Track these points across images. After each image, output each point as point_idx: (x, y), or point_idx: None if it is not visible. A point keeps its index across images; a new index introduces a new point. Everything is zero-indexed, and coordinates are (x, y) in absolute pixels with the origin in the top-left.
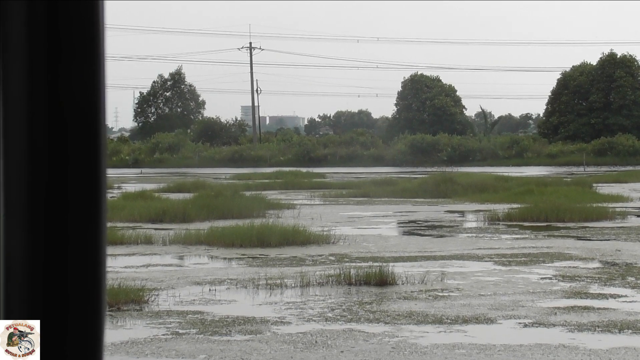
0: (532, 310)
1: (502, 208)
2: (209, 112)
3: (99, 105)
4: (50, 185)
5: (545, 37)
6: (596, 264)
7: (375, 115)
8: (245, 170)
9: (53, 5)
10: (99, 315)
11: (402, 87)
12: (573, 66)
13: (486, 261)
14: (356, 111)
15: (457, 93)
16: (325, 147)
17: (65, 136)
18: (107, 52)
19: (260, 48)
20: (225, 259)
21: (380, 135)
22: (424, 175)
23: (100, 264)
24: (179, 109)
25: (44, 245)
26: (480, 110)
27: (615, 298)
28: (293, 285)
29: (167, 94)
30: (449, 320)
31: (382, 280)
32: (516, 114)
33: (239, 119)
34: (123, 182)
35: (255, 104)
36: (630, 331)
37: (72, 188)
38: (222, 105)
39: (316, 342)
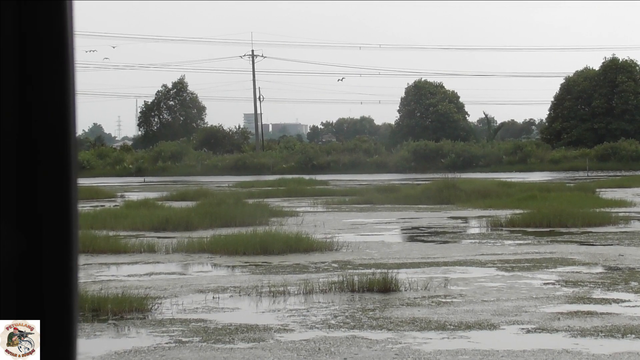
0: (535, 315)
1: (505, 214)
2: (212, 120)
3: (69, 110)
4: (20, 189)
5: (548, 43)
6: (599, 269)
7: (378, 122)
8: (248, 178)
9: (18, 8)
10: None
11: (405, 93)
12: (576, 71)
13: (489, 267)
14: (359, 118)
15: (460, 99)
16: (328, 154)
17: (34, 142)
18: (75, 55)
19: (262, 56)
20: (228, 266)
21: (383, 142)
22: (427, 182)
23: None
24: (181, 118)
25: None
26: (484, 116)
27: (618, 303)
28: (296, 292)
29: (171, 102)
30: (452, 326)
31: (385, 287)
32: (519, 119)
33: (241, 126)
34: (126, 190)
35: (258, 111)
36: (633, 336)
37: (41, 193)
38: (224, 113)
39: (319, 349)
